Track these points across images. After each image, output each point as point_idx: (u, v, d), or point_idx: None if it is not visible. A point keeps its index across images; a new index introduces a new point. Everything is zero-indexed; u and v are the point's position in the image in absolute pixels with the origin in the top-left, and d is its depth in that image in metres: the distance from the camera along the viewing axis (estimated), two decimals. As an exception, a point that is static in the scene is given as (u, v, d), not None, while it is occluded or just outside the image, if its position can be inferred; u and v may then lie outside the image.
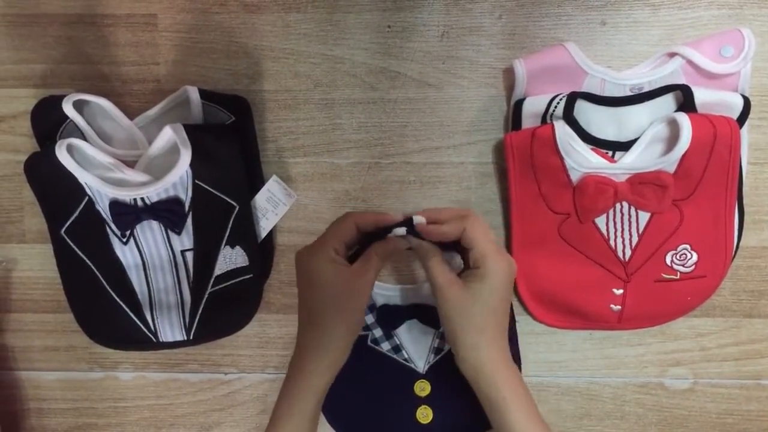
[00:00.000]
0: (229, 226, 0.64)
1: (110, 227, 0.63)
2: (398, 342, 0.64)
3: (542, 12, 0.64)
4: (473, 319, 0.52)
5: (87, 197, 0.62)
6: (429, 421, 0.63)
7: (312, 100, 0.66)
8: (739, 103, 0.61)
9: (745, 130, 0.62)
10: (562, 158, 0.61)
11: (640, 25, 0.64)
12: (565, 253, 0.64)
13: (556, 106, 0.62)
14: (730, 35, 0.62)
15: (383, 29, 0.65)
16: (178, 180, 0.62)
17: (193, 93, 0.63)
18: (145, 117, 0.65)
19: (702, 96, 0.61)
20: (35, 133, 0.64)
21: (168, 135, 0.62)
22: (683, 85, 0.61)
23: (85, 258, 0.64)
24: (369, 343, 0.64)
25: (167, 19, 0.66)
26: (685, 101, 0.61)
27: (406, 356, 0.64)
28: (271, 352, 0.69)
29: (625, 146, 0.62)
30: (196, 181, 0.63)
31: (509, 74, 0.65)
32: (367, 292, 0.54)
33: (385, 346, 0.64)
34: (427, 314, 0.63)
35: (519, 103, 0.63)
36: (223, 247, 0.65)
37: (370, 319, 0.63)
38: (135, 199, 0.62)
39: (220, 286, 0.65)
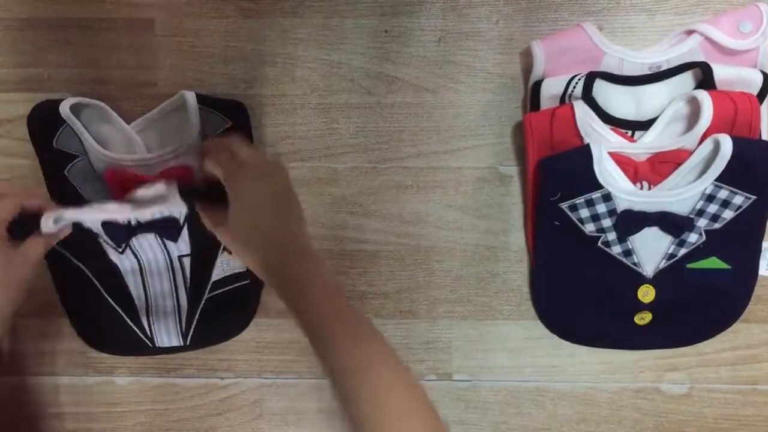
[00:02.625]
0: (226, 230, 0.64)
1: (104, 239, 0.63)
2: (630, 246, 0.62)
3: (539, 17, 0.65)
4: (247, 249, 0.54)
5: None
6: (647, 323, 0.64)
7: (309, 104, 0.66)
8: (759, 79, 0.60)
9: (764, 106, 0.61)
10: (582, 138, 0.60)
11: (636, 31, 0.64)
12: None
13: (574, 87, 0.61)
14: (748, 11, 0.61)
15: (380, 34, 0.65)
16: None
17: (190, 97, 0.63)
18: (142, 121, 0.65)
19: (721, 73, 0.60)
20: (32, 138, 0.64)
21: (160, 190, 0.59)
22: (702, 62, 0.60)
23: (80, 264, 0.64)
24: (599, 244, 0.62)
25: (164, 24, 0.66)
26: (704, 78, 0.60)
27: (635, 260, 0.62)
28: (267, 356, 0.68)
29: (645, 125, 0.62)
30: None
31: (526, 56, 0.64)
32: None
33: (616, 249, 0.62)
34: (671, 222, 0.60)
35: (537, 85, 0.62)
36: (220, 252, 0.65)
37: (607, 222, 0.61)
38: (129, 220, 0.61)
39: (218, 291, 0.65)
